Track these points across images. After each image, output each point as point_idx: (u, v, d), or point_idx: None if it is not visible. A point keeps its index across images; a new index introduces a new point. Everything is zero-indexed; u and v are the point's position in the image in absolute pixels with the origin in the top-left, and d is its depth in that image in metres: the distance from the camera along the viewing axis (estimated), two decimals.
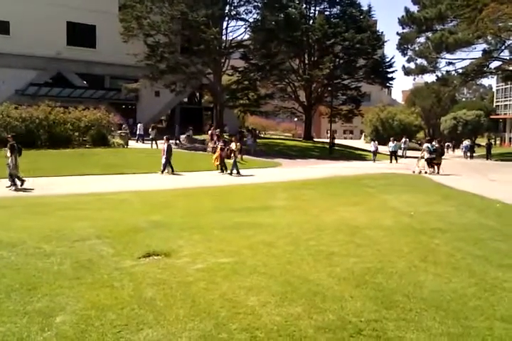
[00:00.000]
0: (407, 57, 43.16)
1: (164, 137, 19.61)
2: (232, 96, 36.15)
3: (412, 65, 43.98)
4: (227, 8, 32.65)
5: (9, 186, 13.54)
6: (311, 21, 40.15)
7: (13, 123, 23.25)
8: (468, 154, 37.41)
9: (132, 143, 29.09)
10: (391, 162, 27.38)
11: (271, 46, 32.75)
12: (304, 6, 40.75)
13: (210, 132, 26.94)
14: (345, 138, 76.72)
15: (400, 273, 5.85)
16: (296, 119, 60.66)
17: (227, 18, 33.51)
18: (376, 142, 29.14)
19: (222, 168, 19.32)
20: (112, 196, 12.59)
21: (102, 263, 6.13)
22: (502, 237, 7.93)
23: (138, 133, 31.12)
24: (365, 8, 41.82)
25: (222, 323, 4.35)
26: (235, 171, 18.92)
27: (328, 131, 44.29)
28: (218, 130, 26.60)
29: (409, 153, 33.56)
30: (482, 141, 62.02)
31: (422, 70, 42.68)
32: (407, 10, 39.91)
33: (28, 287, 5.18)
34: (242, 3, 32.44)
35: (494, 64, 42.21)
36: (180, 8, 29.54)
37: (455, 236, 7.90)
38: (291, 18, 34.01)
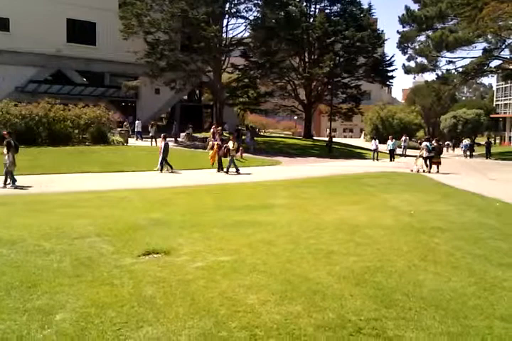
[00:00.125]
0: (407, 56, 43.25)
1: (161, 135, 19.61)
2: (232, 94, 36.14)
3: (412, 64, 44.05)
4: (228, 5, 32.58)
5: (7, 183, 13.50)
6: (312, 19, 40.07)
7: (12, 120, 23.21)
8: (468, 153, 37.44)
9: (132, 141, 29.08)
10: (391, 160, 27.39)
11: (271, 44, 32.66)
12: (305, 4, 40.64)
13: (212, 130, 26.87)
14: (345, 137, 76.72)
15: (399, 272, 5.85)
16: (296, 117, 60.63)
17: (227, 16, 33.46)
18: (377, 140, 29.11)
19: (219, 166, 19.25)
20: (111, 194, 12.58)
21: (101, 261, 6.14)
22: (502, 236, 7.94)
23: (136, 130, 31.13)
24: (365, 6, 41.73)
25: (221, 321, 4.35)
26: (232, 170, 18.81)
27: (327, 129, 44.30)
28: (220, 128, 26.54)
29: (409, 151, 33.58)
30: (482, 139, 61.99)
31: (422, 69, 42.68)
32: (407, 8, 39.92)
33: (27, 284, 5.18)
34: (242, 0, 32.34)
35: (494, 63, 42.23)
36: (180, 6, 29.47)
37: (455, 235, 7.91)
38: (292, 16, 33.92)
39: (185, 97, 46.78)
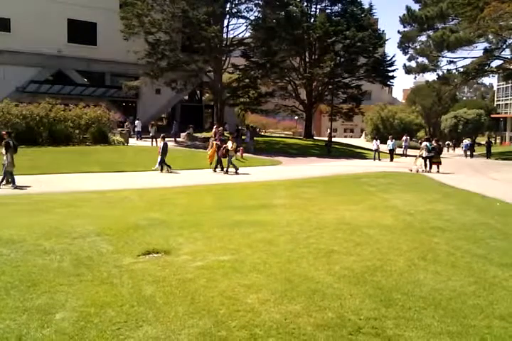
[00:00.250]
0: (408, 56, 43.19)
1: (161, 135, 19.66)
2: (232, 94, 36.10)
3: (413, 64, 43.99)
4: (228, 5, 32.59)
5: (4, 184, 13.49)
6: (312, 19, 40.04)
7: (13, 120, 23.25)
8: (469, 153, 37.42)
9: (132, 141, 29.09)
10: (391, 160, 27.41)
11: (272, 44, 32.64)
12: (305, 4, 40.63)
13: (214, 130, 26.82)
14: (345, 137, 76.70)
15: (399, 272, 5.85)
16: (296, 117, 60.61)
17: (228, 16, 33.47)
18: (378, 141, 29.10)
19: (217, 166, 19.11)
20: (111, 194, 12.60)
21: (101, 260, 6.14)
22: (502, 236, 7.94)
23: (136, 130, 31.12)
24: (366, 6, 41.70)
25: (221, 321, 4.36)
26: (231, 169, 18.82)
27: (328, 129, 44.29)
28: (221, 128, 26.53)
29: (410, 151, 33.55)
30: (483, 139, 61.95)
31: (423, 69, 42.63)
32: (408, 8, 39.88)
33: (27, 284, 5.19)
34: (243, 0, 32.33)
35: (495, 63, 42.25)
36: (181, 6, 29.48)
37: (455, 235, 7.91)
38: (292, 16, 33.92)
39: (186, 97, 46.77)
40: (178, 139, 31.55)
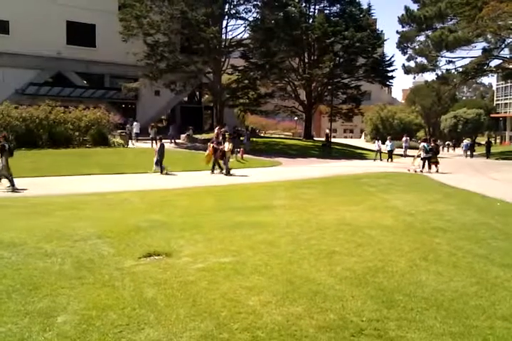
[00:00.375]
0: (407, 56, 43.18)
1: (157, 137, 19.69)
2: (232, 95, 36.09)
3: (412, 64, 43.98)
4: (227, 6, 32.58)
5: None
6: (311, 20, 40.07)
7: (13, 123, 23.25)
8: (469, 153, 37.43)
9: (130, 143, 28.98)
10: (392, 161, 27.44)
11: (271, 45, 32.65)
12: (304, 4, 40.62)
13: (216, 131, 26.71)
14: (345, 137, 76.74)
15: (401, 273, 5.85)
16: (296, 118, 60.62)
17: (226, 17, 33.43)
18: (380, 141, 29.12)
19: (214, 167, 18.94)
20: (112, 196, 12.59)
21: (103, 263, 6.13)
22: (503, 236, 7.94)
23: (134, 131, 31.01)
24: (364, 6, 41.73)
25: (223, 323, 4.35)
26: (219, 170, 18.67)
27: (327, 130, 44.21)
28: (224, 129, 26.46)
29: (410, 152, 33.53)
30: (482, 139, 61.97)
31: (422, 69, 42.63)
32: (406, 8, 39.90)
33: (29, 287, 5.18)
34: (241, 1, 32.34)
35: (494, 62, 42.19)
36: (179, 7, 29.49)
37: (456, 235, 7.90)
38: (291, 17, 33.90)
39: (186, 99, 46.77)
40: (177, 141, 31.50)
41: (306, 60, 41.15)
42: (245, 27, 34.43)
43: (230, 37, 34.41)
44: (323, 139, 38.10)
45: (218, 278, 5.56)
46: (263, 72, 34.69)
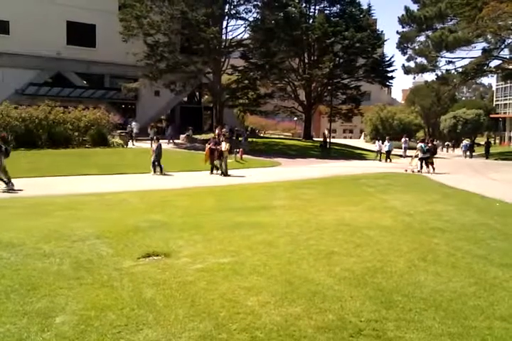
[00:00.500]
0: (406, 56, 43.28)
1: (154, 137, 19.70)
2: (231, 96, 36.10)
3: (411, 64, 44.06)
4: (227, 7, 32.58)
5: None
6: (311, 20, 40.10)
7: (12, 123, 23.25)
8: (468, 153, 37.46)
9: (131, 143, 29.00)
10: (390, 161, 27.45)
11: (270, 45, 32.66)
12: (304, 4, 40.66)
13: (217, 132, 26.68)
14: (345, 138, 76.76)
15: (399, 273, 5.85)
16: (295, 119, 60.64)
17: (226, 17, 33.43)
18: (380, 141, 29.13)
19: (213, 168, 18.92)
20: (111, 196, 12.58)
21: (101, 263, 6.13)
22: (502, 236, 7.94)
23: (134, 131, 30.98)
24: (365, 7, 41.78)
25: (222, 323, 4.35)
26: (221, 171, 18.63)
27: (326, 130, 44.17)
28: (225, 130, 26.47)
29: (410, 152, 33.53)
30: (482, 140, 62.02)
31: (421, 69, 42.69)
32: (407, 9, 39.98)
33: (27, 287, 5.18)
34: (241, 2, 32.34)
35: (494, 63, 42.23)
36: (180, 8, 29.49)
37: (455, 236, 7.90)
38: (291, 17, 33.91)
39: (185, 99, 46.76)
40: (177, 141, 31.51)
41: (306, 61, 41.17)
42: (245, 27, 34.48)
43: (230, 37, 34.46)
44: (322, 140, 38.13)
45: (217, 278, 5.56)
46: (263, 72, 34.71)
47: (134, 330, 4.20)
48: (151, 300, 4.86)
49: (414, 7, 41.34)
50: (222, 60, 33.51)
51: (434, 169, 20.40)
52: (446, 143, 58.94)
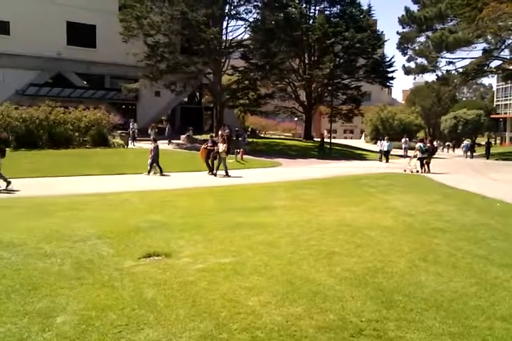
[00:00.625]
0: (407, 57, 43.29)
1: (152, 138, 19.73)
2: (232, 96, 36.11)
3: (412, 65, 44.12)
4: (227, 7, 32.62)
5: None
6: (311, 21, 40.14)
7: (13, 123, 23.29)
8: (469, 153, 37.46)
9: (131, 144, 29.02)
10: (387, 161, 27.43)
11: (271, 46, 32.68)
12: (304, 5, 40.73)
13: (220, 133, 26.58)
14: (345, 138, 76.79)
15: (400, 273, 5.85)
16: (296, 119, 60.64)
17: (227, 18, 33.47)
18: (382, 141, 29.10)
19: (213, 169, 18.62)
20: (112, 196, 12.59)
21: (102, 263, 6.13)
22: (503, 236, 7.94)
23: (134, 132, 30.96)
24: (365, 7, 41.86)
25: (222, 323, 4.35)
26: (223, 172, 18.46)
27: (325, 131, 44.25)
28: (228, 131, 26.42)
29: (410, 152, 33.53)
30: (482, 140, 61.99)
31: (422, 70, 42.70)
32: (407, 9, 39.99)
33: (28, 287, 5.18)
34: (242, 2, 32.39)
35: (494, 63, 42.25)
36: (180, 8, 29.51)
37: (455, 236, 7.90)
38: (291, 18, 33.95)
39: (186, 99, 46.81)
40: (177, 141, 31.51)
41: (307, 61, 41.19)
42: (245, 28, 34.52)
43: (231, 38, 34.48)
44: (324, 140, 38.13)
45: (218, 278, 5.56)
46: (263, 72, 34.72)
47: (135, 330, 4.20)
48: (151, 300, 4.87)
49: (414, 8, 41.48)
50: (223, 60, 33.53)
51: (429, 169, 20.43)
52: (446, 144, 58.97)
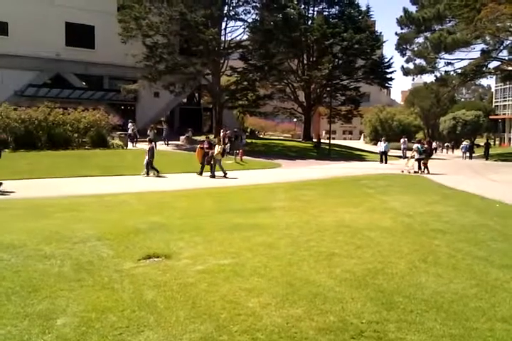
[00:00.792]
0: (405, 58, 43.44)
1: (148, 138, 19.71)
2: (231, 97, 36.12)
3: (410, 65, 44.23)
4: (226, 8, 32.67)
5: None
6: (310, 22, 40.15)
7: (12, 124, 23.24)
8: (467, 154, 37.49)
9: (131, 145, 28.96)
10: (385, 162, 27.40)
11: (269, 47, 32.70)
12: (303, 6, 40.73)
13: (222, 134, 26.50)
14: (344, 139, 76.85)
15: (400, 275, 5.84)
16: (295, 120, 60.61)
17: (225, 19, 33.48)
18: (382, 142, 29.09)
19: (213, 169, 18.42)
20: (111, 197, 12.57)
21: (102, 265, 6.12)
22: (502, 237, 7.94)
23: (129, 133, 30.84)
24: (363, 8, 41.84)
25: (222, 325, 4.34)
26: (221, 173, 18.36)
27: (323, 131, 44.26)
28: (229, 132, 26.38)
29: (409, 153, 33.54)
30: (481, 141, 62.08)
31: (420, 70, 42.80)
32: (405, 10, 40.07)
33: (28, 289, 5.17)
34: (240, 3, 32.44)
35: (493, 64, 42.38)
36: (178, 9, 29.53)
37: (455, 237, 7.90)
38: (290, 19, 33.94)
39: (185, 100, 46.79)
40: (176, 142, 31.49)
41: (305, 62, 41.19)
42: (244, 29, 34.55)
43: (229, 38, 34.50)
44: (323, 141, 38.21)
45: (218, 280, 5.56)
46: (262, 73, 34.73)
47: (135, 332, 4.19)
48: (151, 302, 4.86)
49: (412, 8, 41.56)
50: (222, 61, 33.54)
51: (428, 170, 20.45)
52: (445, 144, 59.02)
